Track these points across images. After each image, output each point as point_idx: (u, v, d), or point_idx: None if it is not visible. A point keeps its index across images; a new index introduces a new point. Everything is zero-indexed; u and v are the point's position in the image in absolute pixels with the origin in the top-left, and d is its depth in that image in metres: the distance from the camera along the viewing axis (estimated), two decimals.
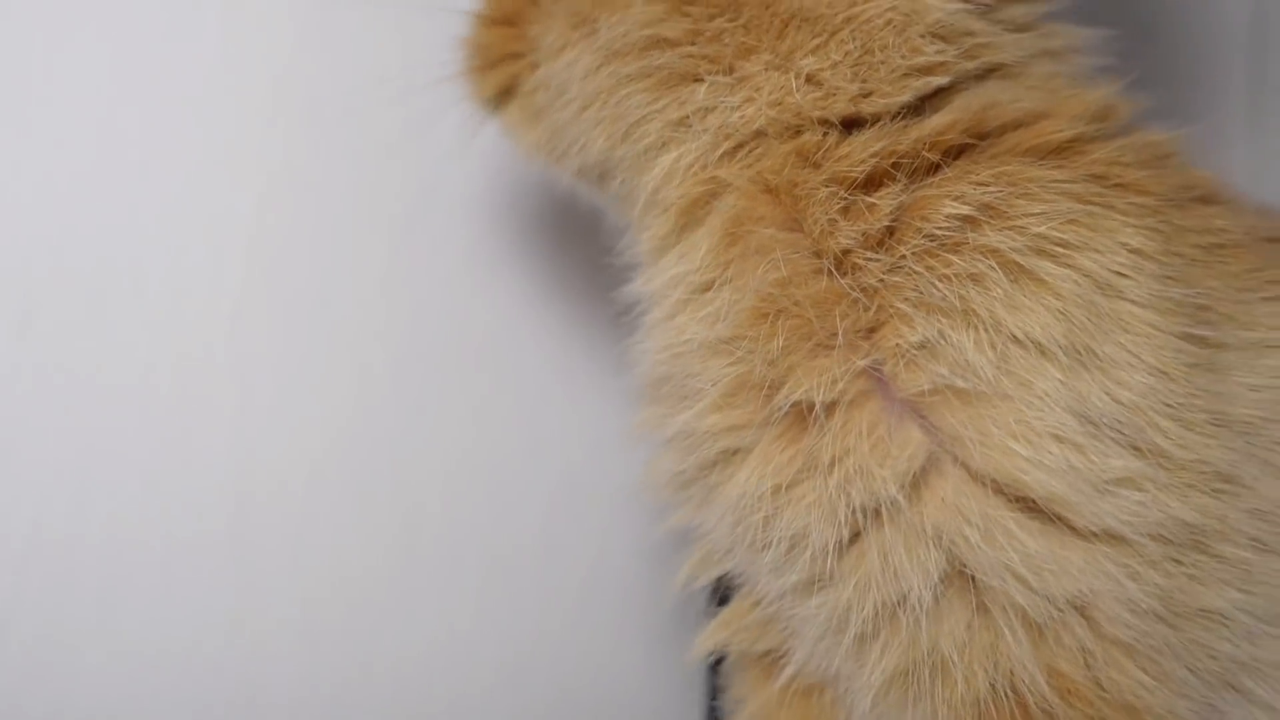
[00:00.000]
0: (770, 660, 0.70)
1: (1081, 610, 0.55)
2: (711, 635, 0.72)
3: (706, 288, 0.64)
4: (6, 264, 0.85)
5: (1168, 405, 0.56)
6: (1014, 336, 0.56)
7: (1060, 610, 0.55)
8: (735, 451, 0.62)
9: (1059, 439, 0.54)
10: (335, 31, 0.94)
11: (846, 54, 0.63)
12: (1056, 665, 0.56)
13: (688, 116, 0.65)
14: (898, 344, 0.57)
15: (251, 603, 0.91)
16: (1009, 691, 0.56)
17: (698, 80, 0.65)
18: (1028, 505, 0.55)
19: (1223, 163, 1.26)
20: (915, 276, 0.58)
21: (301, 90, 0.94)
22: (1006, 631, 0.55)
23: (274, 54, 0.93)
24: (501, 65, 0.74)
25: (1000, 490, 0.55)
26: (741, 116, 0.64)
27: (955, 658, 0.56)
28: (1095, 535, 0.55)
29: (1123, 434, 0.55)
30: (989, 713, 0.56)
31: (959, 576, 0.56)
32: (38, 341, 0.86)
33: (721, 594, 0.72)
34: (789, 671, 0.67)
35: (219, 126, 0.91)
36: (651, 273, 0.70)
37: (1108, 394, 0.55)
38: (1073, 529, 0.55)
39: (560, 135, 0.72)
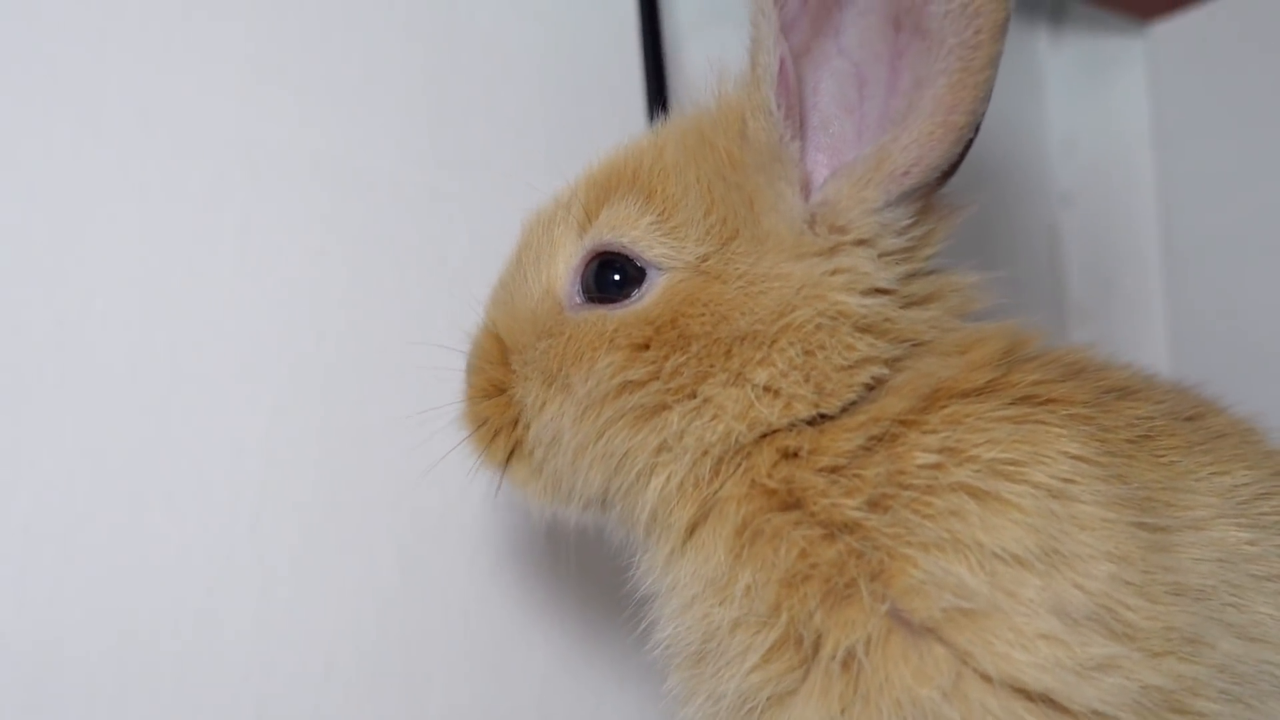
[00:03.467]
0: None
1: None
2: None
3: (725, 578, 0.72)
4: (50, 486, 0.91)
5: (1130, 584, 0.64)
6: (996, 555, 0.64)
7: None
8: (782, 695, 0.70)
9: (1046, 638, 0.63)
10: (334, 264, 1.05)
11: (790, 361, 0.72)
12: None
13: (666, 441, 0.74)
14: (907, 582, 0.66)
15: None
16: None
17: (667, 409, 0.74)
18: (1033, 697, 0.63)
19: (1147, 339, 1.40)
20: (909, 523, 0.67)
21: (308, 310, 1.03)
22: None
23: (282, 282, 1.02)
24: (505, 433, 0.83)
25: (1011, 688, 0.63)
26: (714, 432, 0.73)
27: None
28: (1085, 716, 0.62)
29: (1097, 620, 0.63)
30: None
31: None
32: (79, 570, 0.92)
33: None
34: None
35: (235, 349, 0.99)
36: (663, 574, 0.78)
37: (1078, 587, 0.63)
38: (1068, 713, 0.63)
39: (561, 479, 0.80)
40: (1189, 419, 0.76)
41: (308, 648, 1.01)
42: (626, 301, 0.77)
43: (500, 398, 0.83)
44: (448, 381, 0.89)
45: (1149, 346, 1.44)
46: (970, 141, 0.74)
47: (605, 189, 0.80)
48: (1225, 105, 1.38)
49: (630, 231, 0.77)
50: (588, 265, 0.79)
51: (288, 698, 0.99)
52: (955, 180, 0.79)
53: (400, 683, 1.05)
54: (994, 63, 0.70)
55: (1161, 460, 0.71)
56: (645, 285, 0.76)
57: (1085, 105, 1.53)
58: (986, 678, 0.63)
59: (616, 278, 0.77)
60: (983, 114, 0.71)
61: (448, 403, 0.88)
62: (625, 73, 1.18)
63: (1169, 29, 1.46)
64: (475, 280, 0.91)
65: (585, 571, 1.13)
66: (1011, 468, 0.67)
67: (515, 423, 0.82)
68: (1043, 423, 0.69)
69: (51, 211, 0.92)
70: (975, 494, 0.66)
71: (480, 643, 1.09)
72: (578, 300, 0.80)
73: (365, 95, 1.07)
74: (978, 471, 0.67)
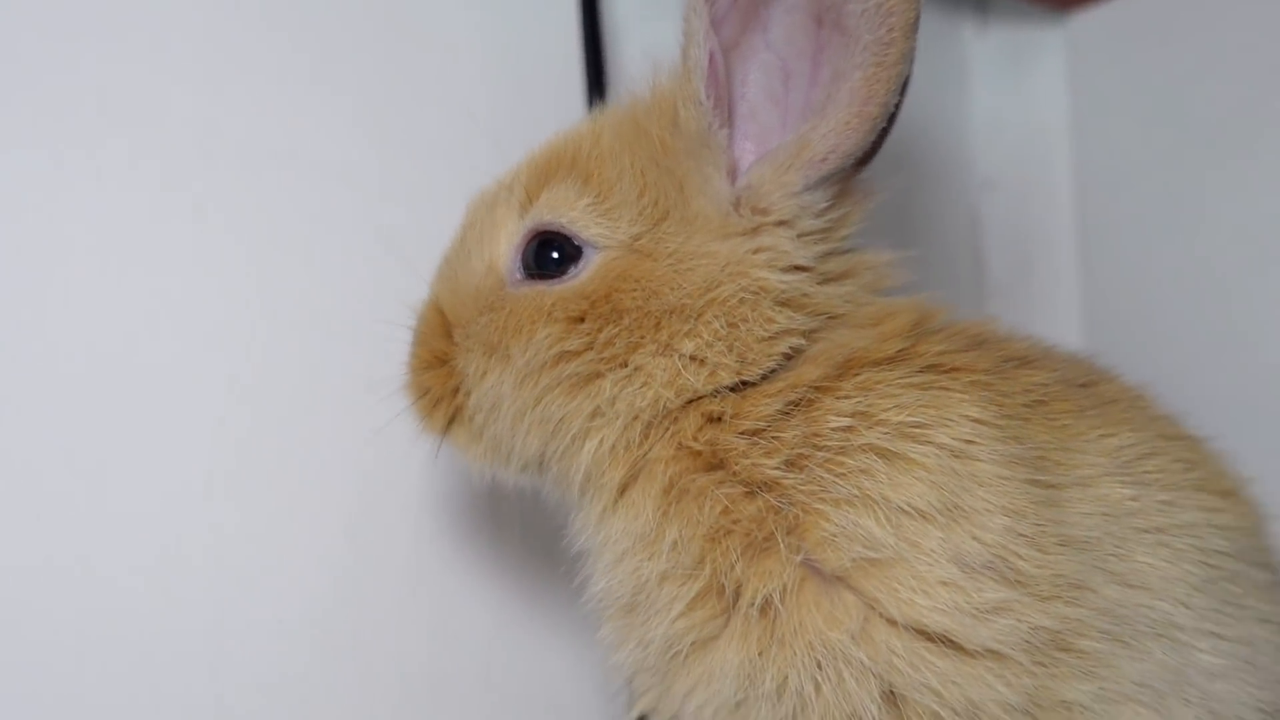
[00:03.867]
0: None
1: (973, 712, 0.69)
2: None
3: (653, 533, 0.77)
4: (8, 457, 0.94)
5: (1023, 535, 0.70)
6: (902, 509, 0.71)
7: (960, 714, 0.69)
8: (706, 640, 0.76)
9: (945, 584, 0.69)
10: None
11: (715, 333, 0.78)
12: None
13: (599, 407, 0.79)
14: (820, 535, 0.72)
15: None
16: None
17: (601, 377, 0.79)
18: (933, 638, 0.69)
19: (1062, 317, 1.46)
20: (823, 480, 0.73)
21: (261, 288, 1.06)
22: None
23: (235, 262, 1.05)
24: (446, 401, 0.87)
25: (914, 630, 0.70)
26: (644, 399, 0.78)
27: None
28: (980, 654, 0.69)
29: (992, 568, 0.70)
30: None
31: (891, 695, 0.70)
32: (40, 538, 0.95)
33: None
34: None
35: (190, 326, 1.02)
36: (596, 531, 0.83)
37: (975, 539, 0.70)
38: (965, 652, 0.69)
39: (500, 443, 0.85)
40: (1082, 386, 0.83)
41: (259, 610, 1.04)
42: (564, 278, 0.81)
43: (442, 369, 0.87)
44: (393, 355, 0.93)
45: (1064, 324, 1.50)
46: (885, 131, 0.80)
47: (546, 172, 0.84)
48: (1141, 95, 1.44)
49: (569, 212, 0.81)
50: (528, 244, 0.84)
51: (241, 657, 1.03)
52: (884, 167, 0.85)
53: (349, 641, 1.09)
54: (906, 58, 0.74)
55: (1054, 423, 0.77)
56: (582, 263, 0.81)
57: (1007, 94, 1.58)
58: (891, 621, 0.70)
59: (555, 255, 0.82)
60: (895, 106, 0.76)
61: (393, 375, 0.92)
62: (566, 63, 1.21)
63: (1088, 20, 1.51)
64: (421, 259, 0.95)
65: (526, 532, 1.17)
66: (917, 430, 0.73)
67: (456, 391, 0.87)
68: (946, 389, 0.75)
69: (9, 194, 0.95)
70: (884, 454, 0.72)
71: (425, 601, 1.13)
72: (518, 277, 0.84)
73: (316, 82, 1.10)
74: (886, 434, 0.73)
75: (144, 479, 0.99)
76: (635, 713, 0.84)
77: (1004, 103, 1.58)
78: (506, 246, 0.85)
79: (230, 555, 1.03)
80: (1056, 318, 1.51)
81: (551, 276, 0.82)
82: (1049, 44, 1.56)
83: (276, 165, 1.07)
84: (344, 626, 1.09)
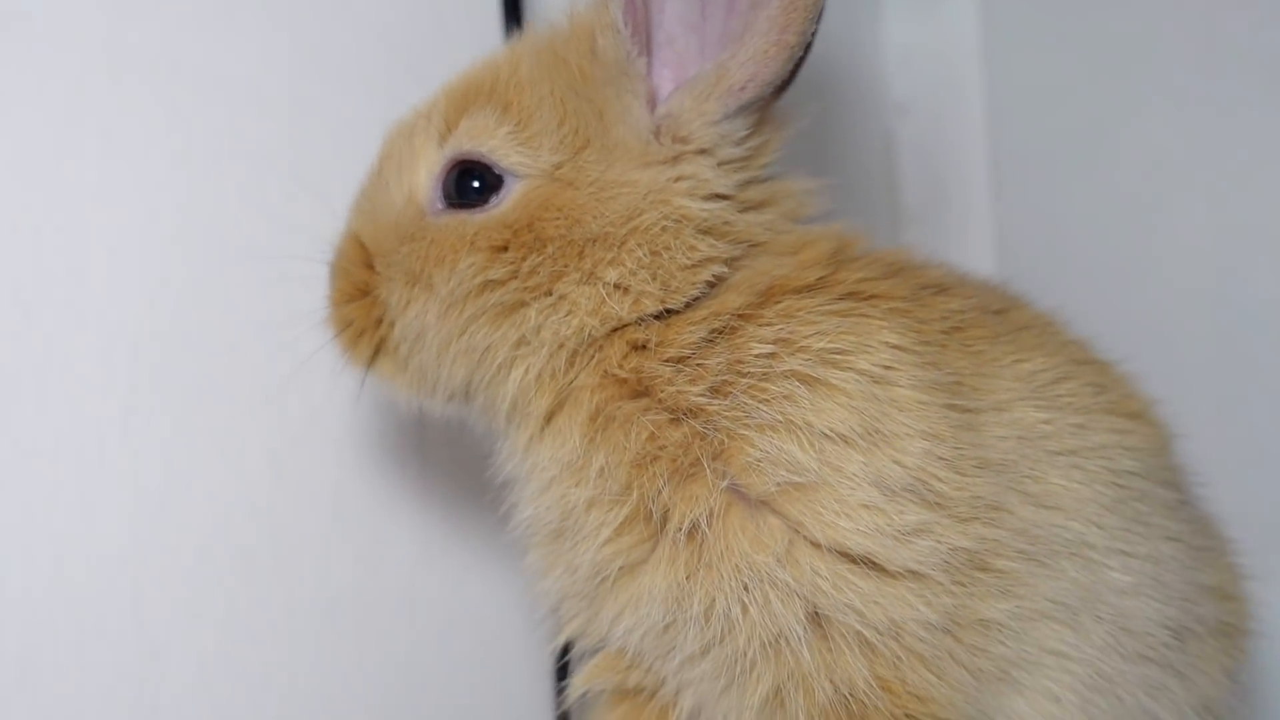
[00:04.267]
0: (645, 696, 0.85)
1: (895, 631, 0.71)
2: (586, 678, 0.87)
3: (580, 460, 0.78)
4: None
5: (942, 459, 0.73)
6: (824, 434, 0.72)
7: (882, 633, 0.71)
8: (634, 565, 0.78)
9: (867, 508, 0.71)
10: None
11: (639, 261, 0.78)
12: (878, 671, 0.71)
13: (524, 336, 0.80)
14: (745, 460, 0.73)
15: (152, 669, 1.02)
16: (849, 694, 0.72)
17: (525, 306, 0.79)
18: (856, 560, 0.71)
19: (975, 242, 1.48)
20: (747, 407, 0.74)
21: (173, 215, 1.03)
22: (847, 651, 0.71)
23: (146, 188, 1.02)
24: (370, 332, 0.87)
25: (837, 552, 0.71)
26: (568, 327, 0.79)
27: (814, 673, 0.72)
28: (901, 575, 0.71)
29: (912, 491, 0.72)
30: (836, 712, 0.72)
31: (816, 616, 0.72)
32: None
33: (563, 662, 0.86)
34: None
35: (101, 255, 0.99)
36: (523, 459, 0.84)
37: (896, 462, 0.72)
38: (886, 573, 0.71)
39: (426, 373, 0.85)
40: (996, 312, 0.85)
41: (180, 541, 1.03)
42: (486, 207, 0.81)
43: (364, 300, 0.87)
44: (312, 287, 0.92)
45: (977, 248, 1.52)
46: (802, 60, 0.80)
47: (464, 100, 0.84)
48: (1052, 21, 1.45)
49: (488, 140, 0.81)
50: (449, 173, 0.83)
51: (164, 588, 1.02)
52: (799, 94, 0.85)
53: (273, 571, 1.08)
54: None
55: (971, 349, 0.80)
56: (503, 192, 0.81)
57: (920, 19, 1.58)
58: (815, 544, 0.72)
59: (476, 185, 0.82)
60: (813, 34, 0.77)
61: (313, 307, 0.91)
62: None
63: None
64: (336, 188, 0.93)
65: (451, 461, 1.17)
66: (838, 356, 0.74)
67: (379, 322, 0.86)
68: (866, 316, 0.77)
69: None
70: (806, 380, 0.74)
71: (349, 531, 1.13)
72: (439, 206, 0.84)
73: (231, 4, 1.08)
74: (808, 360, 0.74)
75: (60, 408, 0.98)
76: (561, 638, 0.85)
77: (917, 28, 1.59)
78: (426, 176, 0.85)
79: (151, 487, 1.02)
80: (970, 241, 1.53)
81: (473, 206, 0.82)
82: None
83: (186, 87, 1.05)
84: (268, 556, 1.08)
